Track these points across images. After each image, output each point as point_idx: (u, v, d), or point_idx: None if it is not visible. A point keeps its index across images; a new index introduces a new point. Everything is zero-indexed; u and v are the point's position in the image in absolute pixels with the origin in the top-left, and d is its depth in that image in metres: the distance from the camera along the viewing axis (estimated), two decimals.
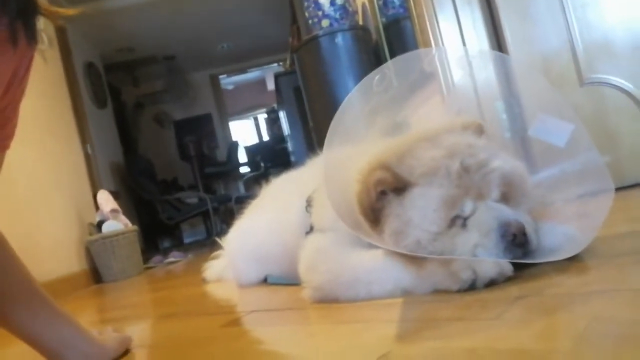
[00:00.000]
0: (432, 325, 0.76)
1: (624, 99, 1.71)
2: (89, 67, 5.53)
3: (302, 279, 1.10)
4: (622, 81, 1.71)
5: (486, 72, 1.38)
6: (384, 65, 0.99)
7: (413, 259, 0.93)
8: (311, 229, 1.20)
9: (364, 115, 1.01)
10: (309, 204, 1.23)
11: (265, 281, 1.55)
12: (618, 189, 1.00)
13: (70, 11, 0.80)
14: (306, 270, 1.09)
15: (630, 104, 1.70)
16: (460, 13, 1.82)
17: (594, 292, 0.74)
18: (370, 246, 1.01)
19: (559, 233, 0.97)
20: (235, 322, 1.16)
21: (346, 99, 0.96)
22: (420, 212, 0.91)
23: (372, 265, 0.98)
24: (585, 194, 1.05)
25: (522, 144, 1.56)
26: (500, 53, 1.54)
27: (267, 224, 1.46)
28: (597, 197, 1.01)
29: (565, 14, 1.74)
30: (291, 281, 1.35)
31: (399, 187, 0.94)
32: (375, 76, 0.98)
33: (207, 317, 1.34)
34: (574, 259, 0.90)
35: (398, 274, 0.94)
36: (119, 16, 5.74)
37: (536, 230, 0.94)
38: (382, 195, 0.95)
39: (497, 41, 1.80)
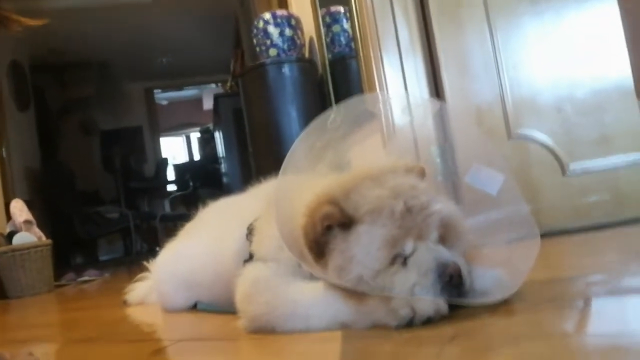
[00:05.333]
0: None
1: (545, 153, 1.86)
2: (14, 65, 5.21)
3: (238, 308, 1.08)
4: (545, 137, 1.86)
5: (425, 118, 1.46)
6: (339, 105, 1.03)
7: (353, 294, 0.95)
8: (250, 258, 1.18)
9: (317, 150, 1.03)
10: (250, 232, 1.22)
11: (194, 307, 1.50)
12: None
13: (33, 21, 0.76)
14: (243, 300, 1.08)
15: (551, 159, 1.85)
16: (404, 60, 1.91)
17: (523, 334, 0.79)
18: (312, 279, 1.02)
19: (490, 277, 1.02)
20: (163, 350, 1.12)
21: (302, 133, 0.98)
22: (364, 249, 0.93)
23: (311, 298, 0.98)
24: (513, 240, 1.12)
25: (453, 188, 1.65)
26: (443, 102, 1.63)
27: (202, 248, 1.43)
28: (523, 243, 1.09)
29: (499, 72, 1.89)
30: (222, 309, 1.32)
31: (345, 222, 0.96)
32: (330, 114, 1.01)
33: (131, 344, 1.27)
34: (502, 302, 0.96)
35: (338, 308, 0.95)
36: (52, 17, 5.47)
37: (470, 273, 0.99)
38: (327, 230, 0.97)
39: (437, 91, 1.91)
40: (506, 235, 1.14)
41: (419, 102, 1.47)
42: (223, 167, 5.43)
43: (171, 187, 8.21)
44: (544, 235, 1.08)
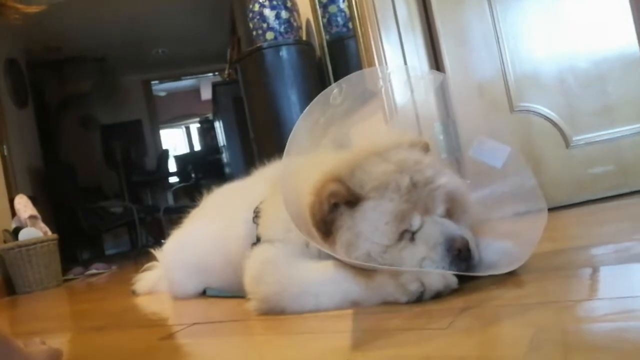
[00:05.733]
0: (384, 334, 0.77)
1: (549, 126, 1.85)
2: (11, 63, 5.18)
3: (248, 291, 1.08)
4: (548, 110, 1.85)
5: (427, 94, 1.44)
6: (341, 80, 1.02)
7: (362, 271, 0.95)
8: (258, 241, 1.18)
9: (320, 126, 1.03)
10: (256, 215, 1.22)
11: (203, 294, 1.51)
12: None
13: (30, 8, 0.75)
14: (252, 282, 1.08)
15: (554, 131, 1.84)
16: (403, 37, 1.90)
17: (533, 304, 0.79)
18: (320, 258, 1.02)
19: (497, 249, 1.02)
20: (176, 334, 1.12)
21: (305, 110, 0.97)
22: (371, 224, 0.93)
23: (320, 276, 0.98)
24: (520, 213, 1.12)
25: (457, 164, 1.64)
26: (444, 74, 1.61)
27: (209, 234, 1.43)
28: (530, 215, 1.08)
29: (499, 45, 1.87)
30: (232, 293, 1.32)
31: (351, 200, 0.96)
32: (333, 89, 1.00)
33: (143, 329, 1.28)
34: (510, 273, 0.96)
35: (347, 286, 0.95)
36: (46, 13, 5.42)
37: (477, 246, 0.99)
38: (334, 208, 0.96)
39: (437, 66, 1.89)
40: (513, 208, 1.14)
41: (419, 74, 1.45)
42: (224, 157, 5.42)
43: (173, 179, 8.21)
44: (548, 209, 1.08)
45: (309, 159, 1.05)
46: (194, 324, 1.18)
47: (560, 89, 1.85)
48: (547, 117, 1.85)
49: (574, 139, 1.84)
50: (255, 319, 1.04)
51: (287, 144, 0.94)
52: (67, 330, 1.60)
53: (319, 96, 0.99)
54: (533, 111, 1.86)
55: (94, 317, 1.78)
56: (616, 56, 1.84)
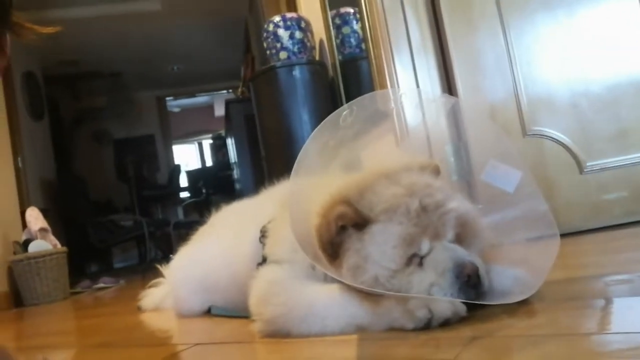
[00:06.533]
0: None
1: (561, 151, 1.83)
2: (28, 76, 5.28)
3: (253, 312, 1.07)
4: (561, 135, 1.83)
5: (438, 117, 1.43)
6: (352, 102, 1.01)
7: (369, 296, 0.93)
8: (263, 261, 1.17)
9: (330, 149, 1.02)
10: (263, 234, 1.21)
11: (208, 312, 1.49)
12: None
13: (46, 29, 0.76)
14: (258, 303, 1.06)
15: (567, 156, 1.82)
16: (416, 59, 1.90)
17: (545, 335, 0.77)
18: (326, 281, 1.00)
19: (509, 276, 1.00)
20: (178, 355, 1.11)
21: (315, 131, 0.96)
22: (379, 248, 0.92)
23: (327, 299, 0.97)
24: (531, 239, 1.10)
25: (468, 187, 1.62)
26: (456, 98, 1.61)
27: (217, 252, 1.42)
28: (543, 242, 1.06)
29: (512, 69, 1.86)
30: (237, 313, 1.31)
31: (360, 222, 0.95)
32: (343, 111, 0.99)
33: (146, 348, 1.27)
34: (521, 302, 0.93)
35: (354, 310, 0.93)
36: (64, 27, 5.53)
37: (487, 273, 0.96)
38: (342, 230, 0.95)
39: (449, 89, 1.89)
40: (524, 234, 1.12)
41: (431, 97, 1.45)
42: (235, 173, 5.44)
43: (184, 194, 8.25)
44: (561, 234, 1.05)
45: (317, 180, 1.04)
46: (197, 344, 1.16)
47: (574, 113, 1.83)
48: (560, 142, 1.83)
49: (587, 164, 1.82)
50: (260, 342, 1.02)
51: (296, 164, 0.93)
52: (71, 346, 1.59)
53: (329, 117, 0.98)
54: (546, 135, 1.84)
55: (99, 333, 1.77)
56: (629, 81, 1.83)
